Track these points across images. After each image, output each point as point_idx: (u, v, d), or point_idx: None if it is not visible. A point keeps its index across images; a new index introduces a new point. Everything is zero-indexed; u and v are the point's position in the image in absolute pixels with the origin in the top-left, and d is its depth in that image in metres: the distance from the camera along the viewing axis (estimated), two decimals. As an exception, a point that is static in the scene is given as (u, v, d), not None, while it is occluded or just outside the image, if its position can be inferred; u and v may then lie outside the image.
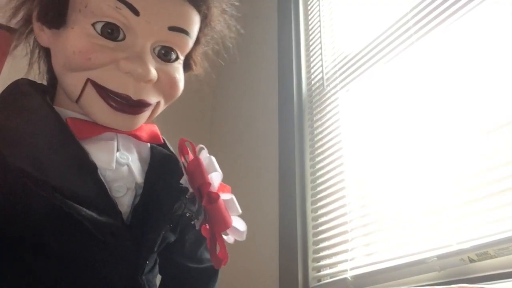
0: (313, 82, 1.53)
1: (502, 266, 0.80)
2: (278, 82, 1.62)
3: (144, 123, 0.59)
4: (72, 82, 0.53)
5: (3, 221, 0.48)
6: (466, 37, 1.01)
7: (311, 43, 1.61)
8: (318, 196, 1.32)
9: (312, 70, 1.55)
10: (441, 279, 0.89)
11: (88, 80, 0.52)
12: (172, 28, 0.54)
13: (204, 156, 0.61)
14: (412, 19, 1.15)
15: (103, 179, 0.51)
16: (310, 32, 1.63)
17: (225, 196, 0.61)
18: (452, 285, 0.73)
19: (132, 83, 0.52)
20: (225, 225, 0.58)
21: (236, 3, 0.62)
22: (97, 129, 0.55)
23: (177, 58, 0.57)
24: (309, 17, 1.67)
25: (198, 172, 0.58)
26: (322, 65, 1.50)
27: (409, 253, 0.97)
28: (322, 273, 1.24)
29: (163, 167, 0.59)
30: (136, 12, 0.51)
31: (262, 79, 1.78)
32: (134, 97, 0.53)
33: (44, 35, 0.55)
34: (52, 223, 0.49)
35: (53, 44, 0.54)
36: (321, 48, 1.53)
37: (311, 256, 1.27)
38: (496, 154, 0.87)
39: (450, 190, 0.93)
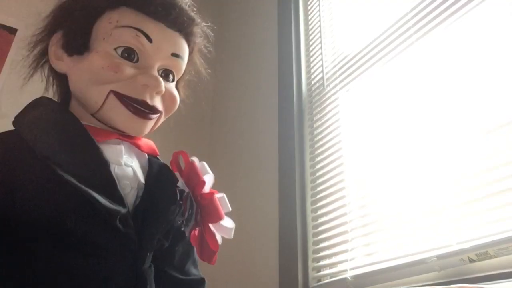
0: (313, 82, 1.53)
1: (502, 266, 0.80)
2: (278, 82, 1.62)
3: (143, 137, 0.72)
4: (96, 94, 0.64)
5: (30, 205, 0.56)
6: (466, 37, 1.01)
7: (311, 43, 1.61)
8: (318, 196, 1.32)
9: (312, 70, 1.55)
10: (441, 279, 0.89)
11: (110, 91, 0.64)
12: (174, 54, 0.69)
13: (197, 162, 0.72)
14: (412, 19, 1.15)
15: (113, 176, 0.60)
16: (310, 32, 1.63)
17: (218, 194, 0.72)
18: (452, 285, 0.73)
19: (148, 92, 0.65)
20: (219, 216, 0.69)
21: (209, 48, 0.80)
22: (108, 134, 0.66)
23: (173, 79, 0.72)
24: (309, 17, 1.67)
25: (193, 173, 0.70)
26: (322, 65, 1.50)
27: (409, 253, 0.97)
28: (322, 273, 1.24)
29: (160, 174, 0.70)
30: (150, 40, 0.66)
31: (262, 79, 1.78)
32: (150, 103, 0.66)
33: (63, 63, 0.68)
34: (70, 208, 0.57)
35: (73, 68, 0.67)
36: (321, 48, 1.53)
37: (311, 256, 1.27)
38: (496, 154, 0.87)
39: (450, 190, 0.93)
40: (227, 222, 0.72)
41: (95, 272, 0.57)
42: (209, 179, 0.72)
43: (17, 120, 0.64)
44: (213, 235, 0.71)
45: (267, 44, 1.80)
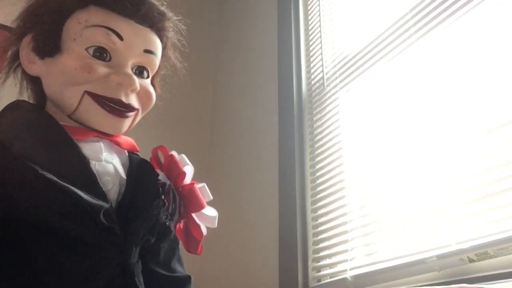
0: (313, 82, 1.53)
1: (502, 266, 0.80)
2: (278, 82, 1.62)
3: (122, 135, 0.71)
4: (70, 95, 0.64)
5: (12, 204, 0.56)
6: (466, 37, 1.01)
7: (311, 43, 1.61)
8: (318, 196, 1.32)
9: (312, 70, 1.55)
10: (441, 279, 0.89)
11: (85, 92, 0.64)
12: (146, 51, 0.69)
13: (176, 154, 0.73)
14: (412, 19, 1.15)
15: (94, 172, 0.61)
16: (310, 32, 1.63)
17: (198, 184, 0.73)
18: (452, 285, 0.73)
19: (122, 90, 0.65)
20: (200, 205, 0.70)
21: (182, 40, 0.78)
22: (86, 132, 0.66)
23: (148, 76, 0.72)
24: (309, 17, 1.67)
25: (173, 165, 0.71)
26: (322, 65, 1.50)
27: (408, 253, 0.97)
28: (322, 273, 1.24)
29: (141, 169, 0.70)
30: (121, 38, 0.66)
31: (262, 79, 1.78)
32: (126, 101, 0.66)
33: (35, 66, 0.67)
34: (52, 205, 0.56)
35: (46, 71, 0.66)
36: (321, 48, 1.53)
37: (311, 256, 1.27)
38: (495, 154, 0.87)
39: (449, 190, 0.93)
40: (210, 211, 0.73)
41: (82, 268, 0.58)
42: (189, 170, 0.72)
43: None
44: (197, 224, 0.72)
45: (267, 44, 1.80)
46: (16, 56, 0.70)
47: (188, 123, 2.03)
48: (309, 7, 1.69)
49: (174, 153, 0.74)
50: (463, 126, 0.95)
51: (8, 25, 1.83)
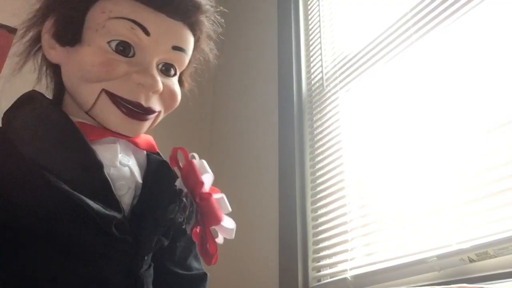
0: (313, 82, 1.53)
1: (502, 266, 0.80)
2: (278, 82, 1.62)
3: (142, 135, 0.67)
4: (87, 92, 0.60)
5: (18, 211, 0.53)
6: (466, 37, 1.01)
7: (311, 43, 1.61)
8: (318, 196, 1.32)
9: (312, 70, 1.55)
10: (441, 279, 0.89)
11: (102, 90, 0.59)
12: (175, 48, 0.63)
13: (196, 160, 0.68)
14: (411, 19, 1.15)
15: (108, 177, 0.57)
16: (310, 32, 1.63)
17: (216, 195, 0.67)
18: (452, 285, 0.73)
19: (143, 92, 0.60)
20: (217, 219, 0.64)
21: (220, 30, 0.72)
22: (103, 133, 0.61)
23: (175, 74, 0.66)
24: (309, 17, 1.67)
25: (191, 173, 0.65)
26: (322, 65, 1.50)
27: (409, 253, 0.97)
28: (322, 273, 1.24)
29: (158, 172, 0.66)
30: (147, 33, 0.60)
31: (262, 79, 1.78)
32: (145, 104, 0.61)
33: (55, 53, 0.62)
34: (62, 214, 0.54)
35: (65, 60, 0.61)
36: (321, 48, 1.53)
37: (311, 256, 1.27)
38: (495, 154, 0.87)
39: (449, 190, 0.93)
40: (227, 223, 0.69)
41: (90, 278, 0.55)
42: (208, 179, 0.68)
43: (6, 118, 0.60)
44: (212, 238, 0.67)
45: (267, 44, 1.80)
46: (37, 39, 0.65)
47: (188, 123, 2.03)
48: (309, 7, 1.69)
49: (195, 156, 0.67)
50: (463, 126, 0.95)
51: (8, 24, 1.83)
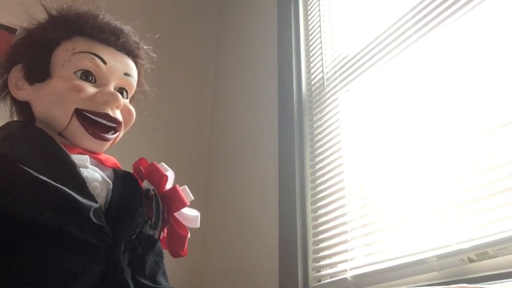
0: (313, 82, 1.53)
1: (502, 266, 0.80)
2: (278, 82, 1.62)
3: (104, 153, 0.79)
4: (62, 113, 0.72)
5: (7, 203, 0.60)
6: (466, 37, 1.01)
7: (311, 43, 1.60)
8: (318, 196, 1.32)
9: (312, 70, 1.55)
10: (441, 279, 0.89)
11: (75, 110, 0.72)
12: (126, 74, 0.80)
13: (156, 163, 0.80)
14: (412, 19, 1.15)
15: (82, 175, 0.67)
16: (310, 32, 1.63)
17: (180, 186, 0.78)
18: (452, 285, 0.73)
19: (109, 106, 0.75)
20: (183, 203, 0.76)
21: (153, 68, 0.90)
22: (73, 148, 0.72)
23: (127, 97, 0.82)
24: (309, 17, 1.67)
25: (154, 170, 0.78)
26: (322, 65, 1.50)
27: (408, 253, 0.97)
28: (322, 273, 1.24)
29: (125, 179, 0.76)
30: (104, 62, 0.76)
31: (262, 79, 1.78)
32: (112, 115, 0.75)
33: (24, 92, 0.76)
34: (47, 206, 0.61)
35: (35, 95, 0.75)
36: (321, 48, 1.53)
37: (311, 256, 1.27)
38: (495, 154, 0.87)
39: (449, 190, 0.93)
40: (191, 211, 0.78)
41: (72, 263, 0.62)
42: (170, 175, 0.79)
43: None
44: (180, 222, 0.76)
45: (267, 44, 1.80)
46: (4, 86, 0.79)
47: (188, 124, 2.03)
48: (309, 7, 1.69)
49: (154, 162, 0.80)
50: (463, 126, 0.95)
51: (8, 25, 1.83)
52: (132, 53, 0.82)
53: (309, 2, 1.70)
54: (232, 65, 2.08)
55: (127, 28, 0.82)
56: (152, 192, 0.75)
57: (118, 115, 0.77)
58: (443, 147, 0.97)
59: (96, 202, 0.65)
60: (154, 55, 0.88)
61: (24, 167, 0.61)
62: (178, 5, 2.22)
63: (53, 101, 0.72)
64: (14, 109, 0.80)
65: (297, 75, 1.57)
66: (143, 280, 0.76)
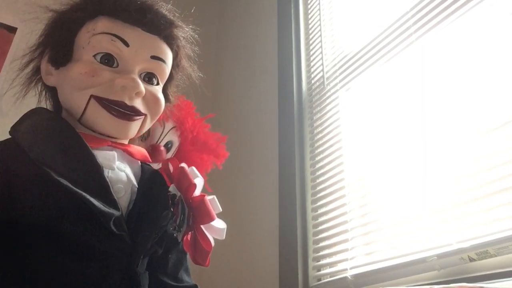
0: (313, 81, 1.53)
1: (502, 265, 0.80)
2: (278, 81, 1.62)
3: (135, 146, 0.73)
4: (78, 99, 0.66)
5: (27, 209, 0.58)
6: (466, 36, 1.01)
7: (311, 42, 1.60)
8: (318, 195, 1.32)
9: (312, 69, 1.55)
10: (441, 278, 0.89)
11: (91, 96, 0.66)
12: (154, 57, 0.71)
13: (186, 167, 0.74)
14: (412, 18, 1.15)
15: (107, 179, 0.62)
16: (310, 32, 1.63)
17: (208, 196, 0.74)
18: (452, 284, 0.73)
19: (126, 94, 0.67)
20: (210, 217, 0.71)
21: (198, 51, 0.80)
22: (101, 141, 0.68)
23: (158, 83, 0.73)
24: (309, 16, 1.67)
25: (183, 177, 0.72)
26: (322, 64, 1.50)
27: (409, 252, 0.97)
28: (322, 272, 1.24)
29: (152, 179, 0.72)
30: (126, 44, 0.68)
31: (262, 79, 1.78)
32: (129, 103, 0.67)
33: (52, 77, 0.71)
34: (65, 212, 0.58)
35: (60, 80, 0.69)
36: (321, 47, 1.53)
37: (311, 255, 1.27)
38: (495, 153, 0.87)
39: (450, 189, 0.93)
40: (219, 223, 0.74)
41: (89, 274, 0.58)
42: (199, 182, 0.74)
43: (13, 129, 0.66)
44: (205, 236, 0.72)
45: (267, 44, 1.80)
46: (37, 70, 0.74)
47: (188, 123, 2.03)
48: (309, 7, 1.69)
49: (184, 165, 0.74)
50: (463, 125, 0.95)
51: (8, 24, 1.82)
52: (162, 33, 0.72)
53: (309, 2, 1.69)
54: (232, 64, 2.08)
55: (159, 5, 0.72)
56: (179, 199, 0.70)
57: (137, 103, 0.68)
58: (442, 147, 0.97)
59: (118, 209, 0.61)
60: (196, 36, 0.78)
61: (45, 168, 0.58)
62: (177, 5, 2.21)
63: (70, 87, 0.67)
64: (44, 94, 0.76)
65: (297, 74, 1.57)
66: (164, 279, 0.74)
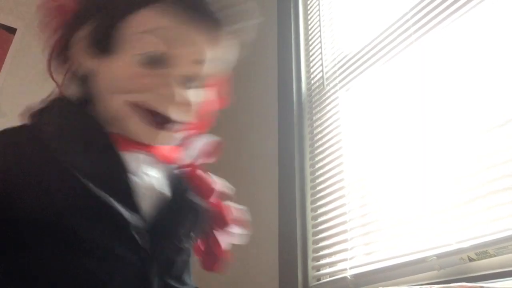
0: (313, 82, 1.53)
1: (502, 265, 0.80)
2: (278, 81, 1.62)
3: (164, 147, 0.68)
4: (112, 103, 0.61)
5: (48, 206, 0.55)
6: (466, 36, 1.01)
7: (311, 42, 1.61)
8: (318, 195, 1.32)
9: (312, 70, 1.55)
10: (441, 278, 0.89)
11: (126, 101, 0.60)
12: (197, 61, 0.63)
13: (204, 172, 0.74)
14: (411, 19, 1.15)
15: (131, 183, 0.60)
16: (310, 32, 1.63)
17: (225, 202, 0.74)
18: (452, 284, 0.73)
19: (171, 105, 0.61)
20: (225, 224, 0.71)
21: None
22: (128, 144, 0.63)
23: (202, 86, 0.68)
24: (309, 17, 1.67)
25: (203, 182, 0.71)
26: (322, 65, 1.50)
27: (408, 252, 0.97)
28: (321, 272, 1.24)
29: (177, 187, 0.68)
30: (175, 46, 0.61)
31: (262, 79, 1.78)
32: (166, 114, 0.61)
33: (87, 62, 0.63)
34: (89, 215, 0.56)
35: (96, 70, 0.62)
36: (321, 47, 1.53)
37: (310, 255, 1.27)
38: (495, 153, 0.87)
39: (449, 189, 0.93)
40: (235, 229, 0.75)
41: (103, 278, 0.57)
42: (218, 187, 0.74)
43: (35, 117, 0.62)
44: (219, 243, 0.73)
45: (267, 44, 1.80)
46: (68, 45, 0.64)
47: (187, 123, 2.02)
48: (308, 7, 1.69)
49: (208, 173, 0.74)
50: (462, 125, 0.95)
51: (8, 24, 1.82)
52: (215, 33, 0.64)
53: (308, 2, 1.70)
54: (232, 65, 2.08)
55: (215, 1, 0.64)
56: (200, 209, 0.69)
57: (175, 113, 0.62)
58: (442, 147, 0.97)
59: (141, 216, 0.59)
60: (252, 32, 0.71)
61: (71, 169, 0.55)
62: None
63: (105, 86, 0.61)
64: (71, 77, 0.66)
65: (297, 74, 1.57)
66: (169, 281, 0.71)
